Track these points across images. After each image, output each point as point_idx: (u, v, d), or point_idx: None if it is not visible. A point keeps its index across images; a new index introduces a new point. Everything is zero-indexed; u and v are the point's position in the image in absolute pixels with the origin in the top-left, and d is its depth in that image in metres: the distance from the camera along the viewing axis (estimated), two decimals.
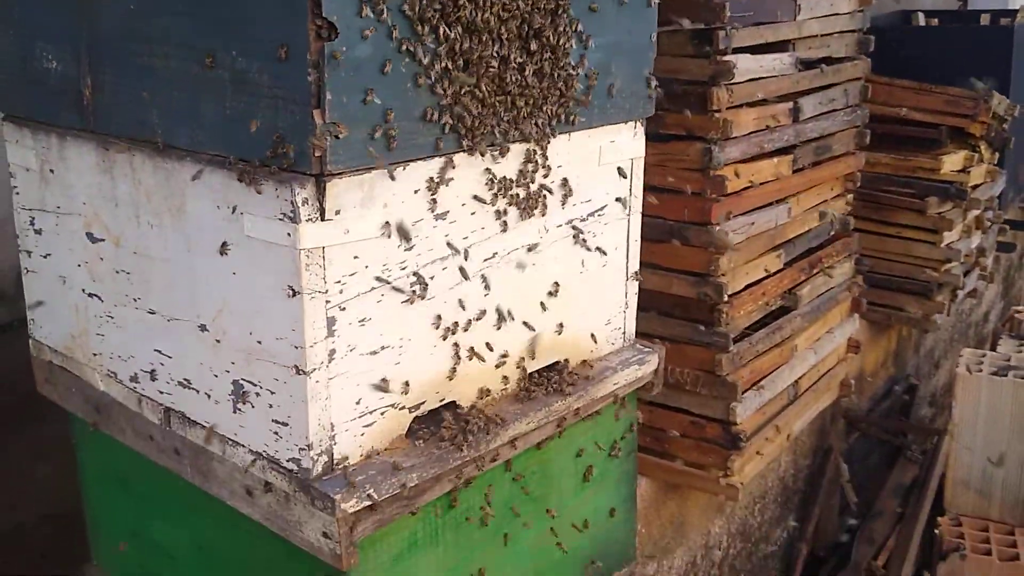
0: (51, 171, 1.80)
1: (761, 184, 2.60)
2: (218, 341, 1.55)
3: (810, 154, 2.79)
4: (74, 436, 2.11)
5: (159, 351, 1.68)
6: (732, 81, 2.40)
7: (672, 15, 2.30)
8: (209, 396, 1.60)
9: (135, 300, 1.70)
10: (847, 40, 2.91)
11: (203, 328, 1.57)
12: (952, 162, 3.61)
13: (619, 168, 1.87)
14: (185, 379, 1.64)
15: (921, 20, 5.03)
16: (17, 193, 1.92)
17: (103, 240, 1.73)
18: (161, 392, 1.70)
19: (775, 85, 2.59)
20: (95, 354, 1.84)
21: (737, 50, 2.42)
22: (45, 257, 1.89)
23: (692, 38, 2.41)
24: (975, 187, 3.71)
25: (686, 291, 2.53)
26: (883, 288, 3.80)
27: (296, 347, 1.41)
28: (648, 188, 2.03)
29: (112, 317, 1.77)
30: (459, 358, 1.63)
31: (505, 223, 1.65)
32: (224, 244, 1.48)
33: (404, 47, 1.39)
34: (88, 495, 2.14)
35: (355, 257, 1.43)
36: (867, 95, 3.02)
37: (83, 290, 1.82)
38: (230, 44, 1.40)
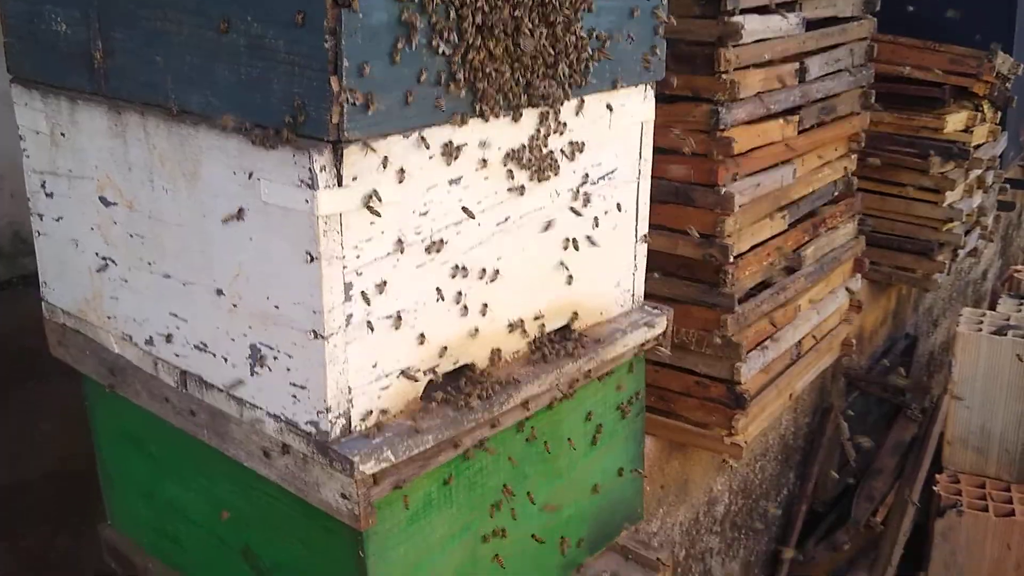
0: (62, 135, 1.80)
1: (767, 145, 2.61)
2: (234, 306, 1.56)
3: (815, 115, 2.79)
4: (87, 397, 2.13)
5: (174, 314, 1.70)
6: (739, 42, 2.39)
7: None
8: (226, 360, 1.62)
9: (149, 264, 1.71)
10: None
11: (219, 292, 1.58)
12: (955, 121, 3.61)
13: (629, 130, 1.87)
14: (201, 343, 1.66)
15: None
16: (27, 156, 1.92)
17: (116, 204, 1.74)
18: (177, 355, 1.72)
19: (782, 46, 2.58)
20: (109, 317, 1.86)
21: (744, 11, 2.41)
22: (57, 220, 1.90)
23: None
24: (977, 147, 3.71)
25: (692, 252, 2.55)
26: (884, 247, 3.82)
27: (314, 312, 1.42)
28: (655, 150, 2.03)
29: (126, 280, 1.78)
30: (472, 321, 1.65)
31: (517, 186, 1.66)
32: (240, 210, 1.48)
33: (419, 12, 1.39)
34: (102, 456, 2.17)
35: (371, 223, 1.44)
36: (873, 55, 3.01)
37: (96, 253, 1.82)
38: (245, 10, 1.40)
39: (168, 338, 1.73)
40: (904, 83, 3.66)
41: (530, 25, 1.55)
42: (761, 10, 2.48)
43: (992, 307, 3.72)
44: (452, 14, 1.44)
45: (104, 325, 1.88)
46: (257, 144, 1.41)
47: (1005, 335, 3.41)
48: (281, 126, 1.39)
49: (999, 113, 3.97)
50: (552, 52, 1.60)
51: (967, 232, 3.92)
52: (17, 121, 1.90)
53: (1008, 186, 4.36)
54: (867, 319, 4.11)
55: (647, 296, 2.08)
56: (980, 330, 3.47)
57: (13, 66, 1.87)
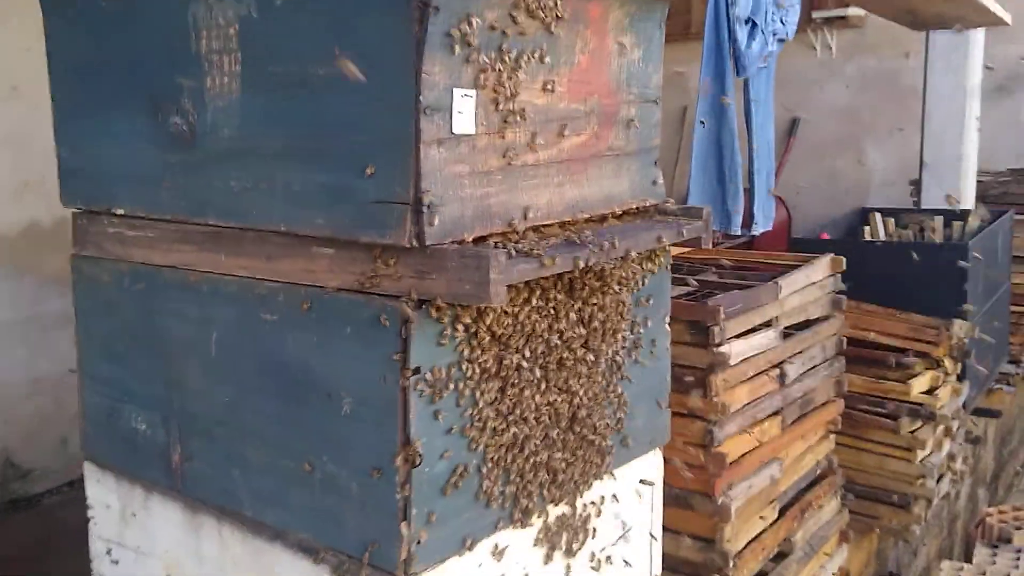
0: (133, 515, 1.99)
1: (755, 448, 2.85)
2: None
3: (796, 411, 3.06)
4: None
5: None
6: (727, 367, 2.67)
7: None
8: None
9: None
10: (823, 301, 3.21)
11: None
12: (920, 384, 3.90)
13: (643, 491, 2.10)
14: None
15: (878, 221, 5.43)
16: (94, 523, 2.09)
17: None
18: None
19: (763, 359, 2.86)
20: None
21: (730, 338, 2.70)
22: None
23: (690, 328, 2.68)
24: (943, 405, 3.99)
25: (694, 556, 2.74)
26: (863, 498, 4.03)
27: None
28: None
29: None
30: None
31: (549, 561, 1.86)
32: None
33: (471, 460, 1.62)
34: None
35: None
36: (843, 347, 3.32)
37: None
38: (321, 450, 1.62)
39: None
40: (870, 347, 3.97)
41: (563, 439, 1.79)
42: (744, 334, 2.77)
43: (968, 558, 3.91)
44: (498, 448, 1.67)
45: None
46: (328, 572, 1.61)
47: None
48: (352, 556, 1.60)
49: (959, 364, 4.29)
50: (579, 459, 1.84)
51: (939, 479, 4.15)
52: (87, 492, 2.09)
53: (974, 426, 4.63)
54: (852, 564, 4.27)
55: None
56: None
57: (88, 448, 2.07)
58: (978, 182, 6.17)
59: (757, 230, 4.87)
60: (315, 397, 1.62)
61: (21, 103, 4.61)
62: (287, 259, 1.63)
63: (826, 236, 5.13)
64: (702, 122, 3.89)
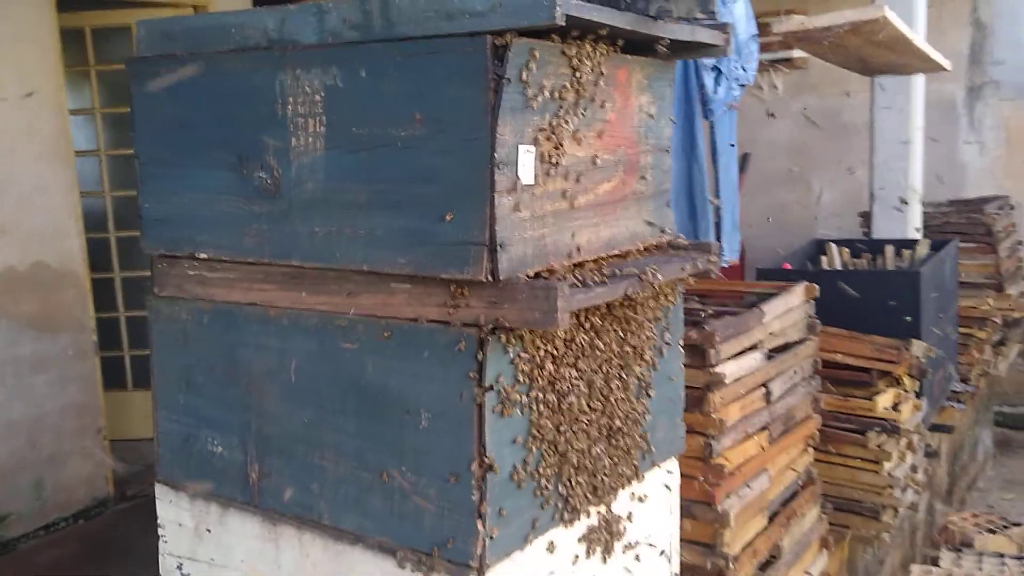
0: (207, 530, 2.18)
1: (747, 461, 3.12)
2: None
3: (780, 426, 3.34)
4: None
5: None
6: (723, 387, 2.94)
7: None
8: None
9: None
10: (800, 325, 3.51)
11: None
12: (884, 401, 4.22)
13: (661, 495, 2.35)
14: None
15: (835, 250, 5.79)
16: (164, 541, 2.28)
17: None
18: None
19: (752, 379, 3.15)
20: None
21: (723, 359, 2.98)
22: None
23: (687, 350, 2.95)
24: (905, 420, 4.32)
25: (697, 560, 2.99)
26: (837, 510, 4.33)
27: None
28: None
29: None
30: None
31: (591, 555, 2.10)
32: None
33: (531, 465, 1.86)
34: None
35: None
36: (818, 367, 3.62)
37: None
38: (400, 461, 1.85)
39: None
40: (837, 368, 4.29)
41: (604, 447, 2.04)
42: (735, 356, 3.06)
43: (935, 563, 4.22)
44: (557, 456, 1.92)
45: None
46: (408, 568, 1.83)
47: None
48: (429, 553, 1.82)
49: (917, 382, 4.62)
50: (618, 464, 2.09)
51: (903, 490, 4.46)
52: (158, 513, 2.28)
53: (932, 448, 4.97)
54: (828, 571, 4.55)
55: None
56: None
57: (162, 472, 2.26)
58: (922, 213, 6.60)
59: (724, 262, 5.21)
60: (394, 414, 1.85)
61: None
62: (367, 294, 1.87)
63: (788, 266, 5.46)
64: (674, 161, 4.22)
